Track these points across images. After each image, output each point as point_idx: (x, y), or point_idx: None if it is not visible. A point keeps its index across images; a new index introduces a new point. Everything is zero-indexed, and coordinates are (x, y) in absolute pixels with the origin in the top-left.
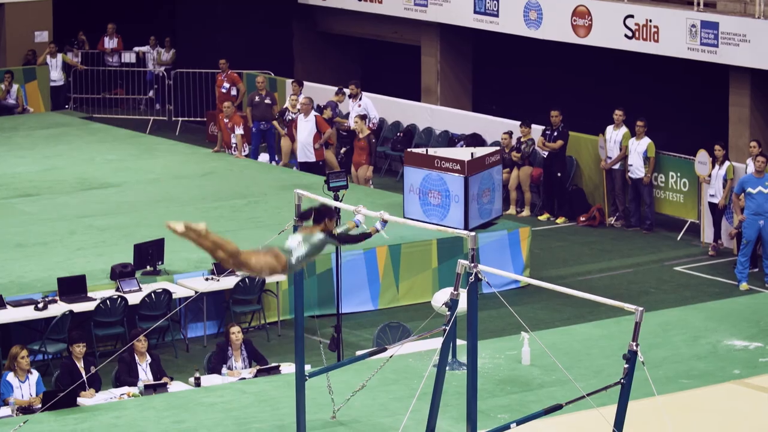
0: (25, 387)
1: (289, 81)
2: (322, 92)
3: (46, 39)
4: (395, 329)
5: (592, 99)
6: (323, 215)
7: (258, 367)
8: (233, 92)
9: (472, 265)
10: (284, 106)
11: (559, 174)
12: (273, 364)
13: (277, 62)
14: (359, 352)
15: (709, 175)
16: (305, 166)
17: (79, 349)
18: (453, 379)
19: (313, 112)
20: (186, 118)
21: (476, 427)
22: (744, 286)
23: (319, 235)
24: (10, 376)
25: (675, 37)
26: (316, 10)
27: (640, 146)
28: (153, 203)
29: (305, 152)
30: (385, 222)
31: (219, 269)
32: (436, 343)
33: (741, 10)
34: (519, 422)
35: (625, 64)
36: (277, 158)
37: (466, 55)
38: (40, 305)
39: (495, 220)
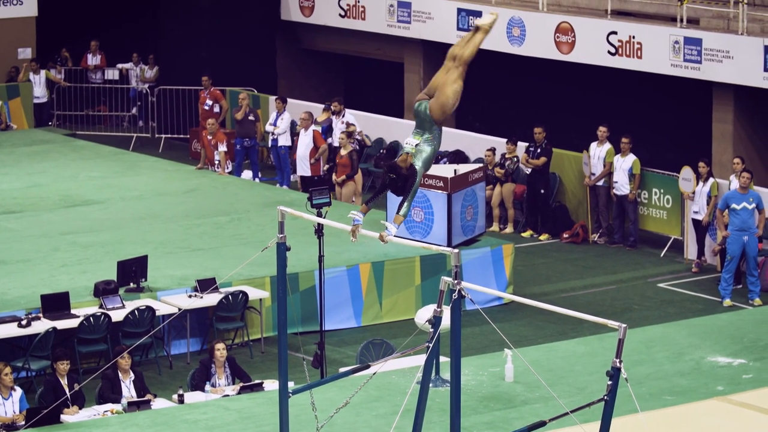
0: (9, 404)
1: (272, 98)
2: (305, 109)
3: (30, 56)
4: (378, 346)
5: (576, 115)
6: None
7: (241, 384)
8: (216, 109)
9: (456, 282)
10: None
11: (542, 191)
12: (256, 381)
13: (261, 79)
14: (342, 369)
15: (693, 192)
16: (304, 180)
17: (63, 366)
18: (436, 396)
19: (312, 127)
20: (169, 135)
21: None
22: (727, 302)
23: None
24: None
25: (658, 53)
26: (299, 27)
27: (625, 163)
28: (136, 220)
29: (302, 166)
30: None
31: (202, 286)
32: (420, 360)
33: (724, 27)
34: None
35: (609, 80)
36: (260, 175)
37: None
38: (24, 322)
39: (478, 237)
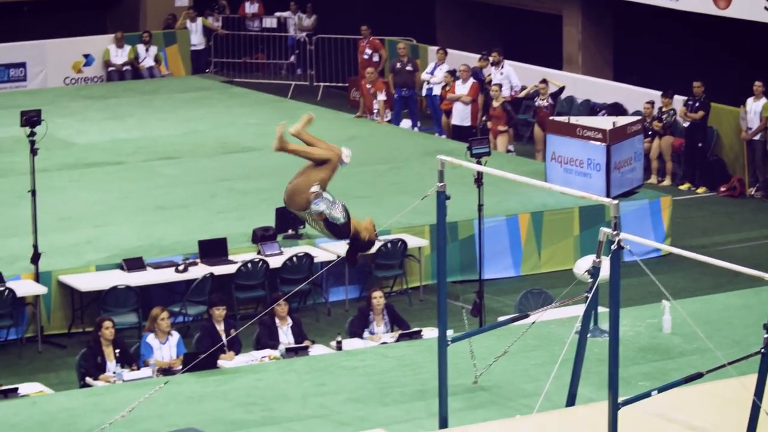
0: (166, 348)
1: (431, 48)
2: (464, 60)
3: (187, 3)
4: (537, 296)
5: (734, 70)
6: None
7: (400, 332)
8: (375, 59)
9: (615, 233)
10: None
11: (700, 144)
12: (415, 329)
13: (419, 29)
14: (501, 318)
15: None
16: (459, 130)
17: (219, 312)
18: (594, 346)
19: (471, 79)
20: (328, 84)
21: (617, 395)
22: None
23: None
24: (151, 338)
25: None
26: None
27: None
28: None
29: (461, 116)
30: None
31: None
32: (578, 310)
33: None
34: (660, 390)
35: (766, 35)
36: (419, 124)
37: (607, 25)
38: (181, 267)
39: (636, 189)
